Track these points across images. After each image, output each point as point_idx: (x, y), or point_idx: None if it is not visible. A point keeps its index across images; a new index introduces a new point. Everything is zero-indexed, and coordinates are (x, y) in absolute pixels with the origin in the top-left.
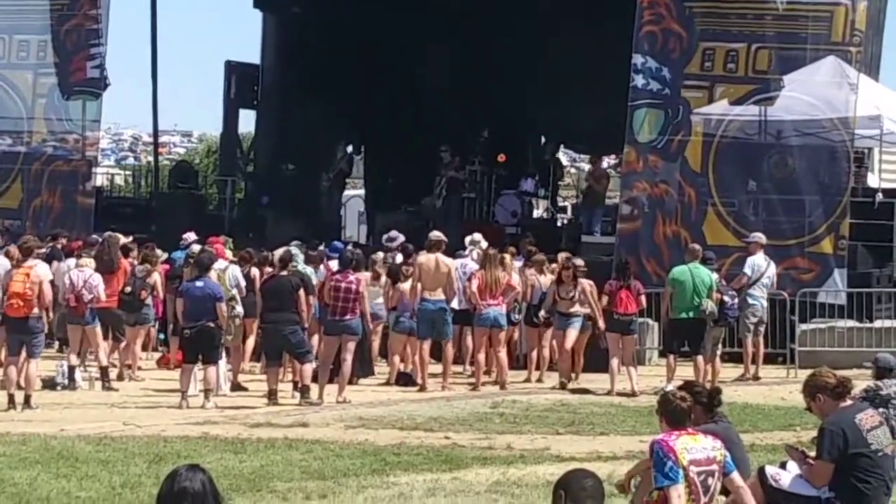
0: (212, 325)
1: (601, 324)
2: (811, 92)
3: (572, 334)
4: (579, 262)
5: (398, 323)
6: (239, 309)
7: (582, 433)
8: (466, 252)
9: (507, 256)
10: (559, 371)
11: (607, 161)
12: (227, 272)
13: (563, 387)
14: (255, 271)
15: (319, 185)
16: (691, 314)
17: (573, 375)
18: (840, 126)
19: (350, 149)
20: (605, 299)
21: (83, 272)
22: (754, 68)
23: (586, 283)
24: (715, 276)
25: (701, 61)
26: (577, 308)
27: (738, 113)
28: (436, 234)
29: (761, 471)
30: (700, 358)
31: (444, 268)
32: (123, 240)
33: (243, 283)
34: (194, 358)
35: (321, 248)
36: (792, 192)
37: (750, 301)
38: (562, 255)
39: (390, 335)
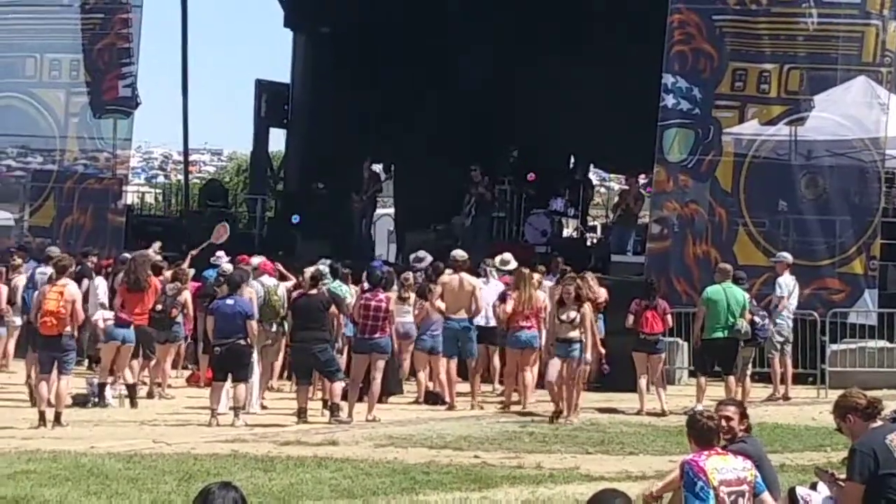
0: (242, 342)
1: (588, 355)
2: (842, 112)
3: (573, 362)
4: (592, 280)
5: (420, 341)
6: (285, 327)
7: (611, 453)
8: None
9: (538, 276)
10: (554, 398)
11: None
12: (278, 290)
13: (556, 417)
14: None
15: (350, 204)
16: (726, 334)
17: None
18: (871, 146)
19: (380, 167)
20: (630, 319)
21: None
22: (786, 89)
23: (587, 308)
24: (747, 295)
25: (732, 81)
26: (577, 333)
27: (770, 133)
28: (460, 254)
29: (792, 492)
30: (731, 378)
31: (469, 286)
32: (156, 256)
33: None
34: (224, 376)
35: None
36: (823, 213)
37: (778, 321)
38: (589, 275)
39: (413, 353)
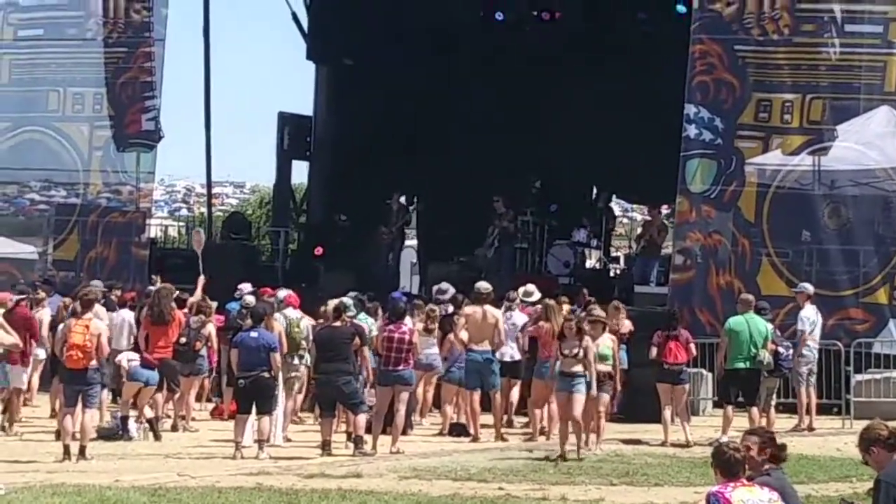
0: (266, 375)
1: (594, 390)
2: (865, 142)
3: (579, 399)
4: (619, 311)
5: (448, 373)
6: (306, 360)
7: (636, 484)
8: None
9: (566, 307)
10: (559, 438)
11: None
12: (301, 322)
13: (562, 459)
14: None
15: (374, 237)
16: (748, 364)
17: (585, 441)
18: (894, 176)
19: (403, 199)
20: (653, 350)
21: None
22: (808, 118)
23: (589, 341)
24: (770, 326)
25: (755, 112)
26: (581, 367)
27: (793, 164)
28: (484, 286)
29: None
30: (755, 409)
31: (492, 318)
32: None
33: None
34: (248, 408)
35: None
36: (846, 243)
37: (804, 351)
38: (616, 304)
39: (442, 385)
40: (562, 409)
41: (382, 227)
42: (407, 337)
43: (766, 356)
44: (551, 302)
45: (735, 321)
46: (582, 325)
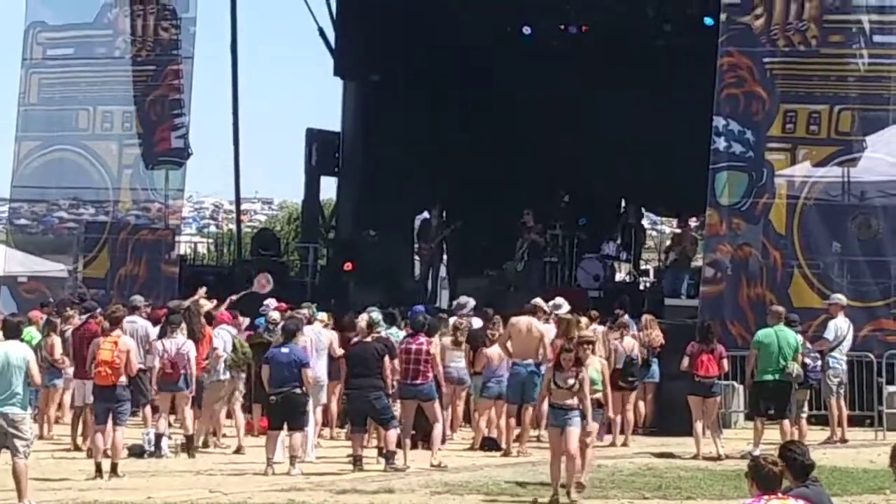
0: (297, 391)
1: (589, 423)
2: (894, 152)
3: (574, 433)
4: (652, 323)
5: (486, 388)
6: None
7: (669, 497)
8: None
9: (585, 320)
10: (566, 475)
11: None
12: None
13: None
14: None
15: (404, 252)
16: (777, 376)
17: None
18: None
19: (444, 215)
20: (685, 361)
21: (176, 339)
22: (837, 129)
23: (585, 373)
24: (800, 338)
25: (783, 123)
26: (576, 400)
27: (822, 175)
28: (539, 302)
29: None
30: (787, 422)
31: (537, 332)
32: (207, 305)
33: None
34: (280, 424)
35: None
36: (877, 254)
37: (832, 363)
38: (649, 317)
39: (478, 400)
40: (554, 446)
41: (422, 243)
42: (424, 348)
43: (795, 368)
44: (570, 317)
45: (764, 333)
46: (581, 356)
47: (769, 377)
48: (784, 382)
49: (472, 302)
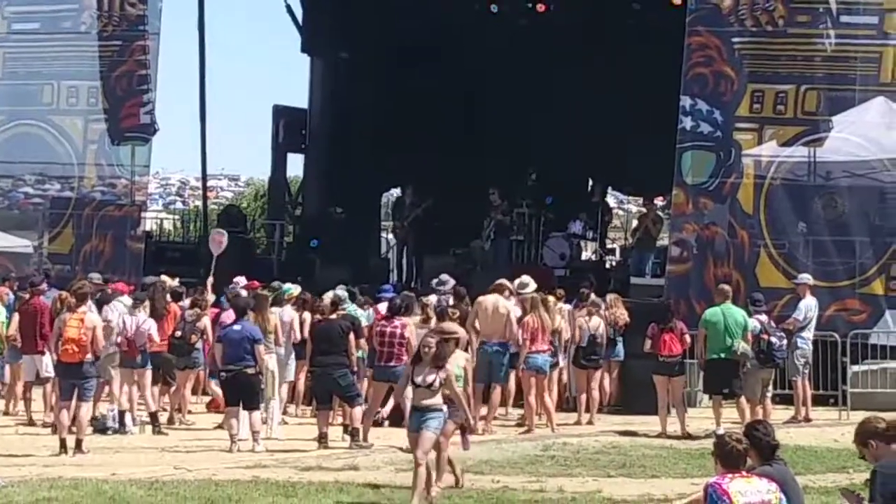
0: (250, 370)
1: (469, 421)
2: (860, 133)
3: (429, 437)
4: (617, 302)
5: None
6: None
7: (633, 476)
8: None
9: (551, 299)
10: (413, 487)
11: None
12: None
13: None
14: (306, 315)
15: (371, 229)
16: (724, 355)
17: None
18: (890, 167)
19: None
20: (647, 343)
21: (136, 316)
22: (803, 109)
23: (450, 368)
24: (764, 317)
25: (750, 103)
26: (437, 400)
27: (788, 154)
28: (504, 281)
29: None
30: (743, 399)
31: (504, 311)
32: (171, 283)
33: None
34: (235, 401)
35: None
36: (842, 234)
37: (800, 343)
38: (613, 296)
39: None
40: (413, 450)
41: (395, 221)
42: (399, 331)
43: (742, 346)
44: (535, 295)
45: (711, 312)
46: (443, 349)
47: (716, 356)
48: (732, 361)
49: (451, 281)
